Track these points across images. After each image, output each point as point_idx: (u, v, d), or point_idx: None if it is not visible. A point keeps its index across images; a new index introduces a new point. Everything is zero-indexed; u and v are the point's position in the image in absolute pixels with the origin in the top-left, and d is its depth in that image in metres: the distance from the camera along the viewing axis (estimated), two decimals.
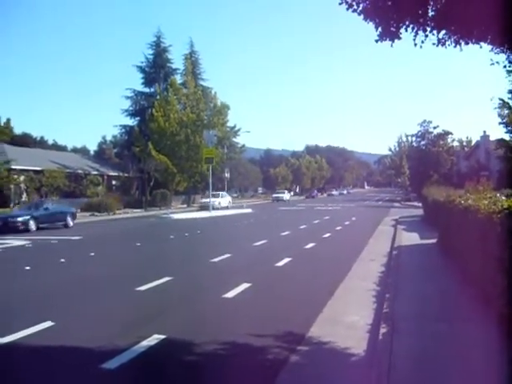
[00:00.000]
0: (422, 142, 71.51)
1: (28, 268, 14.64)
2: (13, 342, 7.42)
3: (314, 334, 7.77)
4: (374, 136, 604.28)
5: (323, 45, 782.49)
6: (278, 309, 9.63)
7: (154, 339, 7.45)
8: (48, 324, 8.34)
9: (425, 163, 67.10)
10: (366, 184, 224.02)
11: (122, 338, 7.54)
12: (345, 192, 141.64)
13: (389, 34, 6.58)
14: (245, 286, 11.46)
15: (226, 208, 56.16)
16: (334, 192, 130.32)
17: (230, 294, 10.62)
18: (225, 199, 60.42)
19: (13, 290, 11.97)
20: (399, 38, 6.68)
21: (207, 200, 51.30)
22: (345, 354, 6.86)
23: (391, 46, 6.81)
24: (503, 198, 9.35)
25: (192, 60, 68.58)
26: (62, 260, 16.10)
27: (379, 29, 6.59)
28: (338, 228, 27.95)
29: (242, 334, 7.78)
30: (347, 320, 8.60)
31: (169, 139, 56.11)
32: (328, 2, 21.50)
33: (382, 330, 7.46)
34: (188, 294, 11.05)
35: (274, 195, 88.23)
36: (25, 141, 74.95)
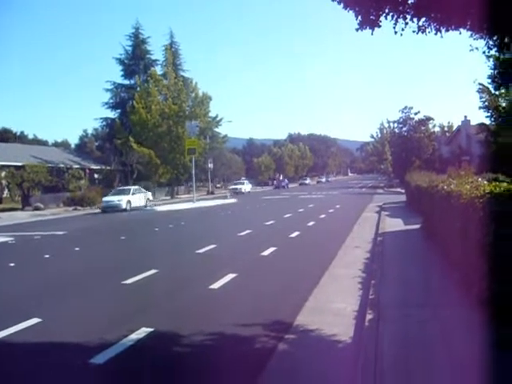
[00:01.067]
0: (404, 129, 71.77)
1: (12, 264, 14.54)
2: None
3: (300, 323, 7.82)
4: (357, 123, 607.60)
5: (305, 34, 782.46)
6: (265, 298, 9.66)
7: (141, 332, 7.45)
8: (35, 321, 8.29)
9: (407, 149, 67.41)
10: (349, 171, 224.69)
11: (110, 332, 7.53)
12: (323, 180, 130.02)
13: (369, 22, 6.59)
14: (231, 276, 11.48)
15: (144, 208, 42.30)
16: (308, 181, 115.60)
17: (216, 285, 10.64)
18: (138, 196, 42.95)
19: None
20: (379, 26, 6.70)
21: (112, 199, 40.91)
22: (332, 341, 6.92)
23: (371, 34, 6.85)
24: (485, 182, 9.44)
25: (172, 51, 68.27)
26: (47, 255, 16.00)
27: (359, 17, 6.61)
28: (322, 216, 28.03)
29: (230, 324, 7.81)
30: (333, 307, 8.66)
31: (151, 131, 55.94)
32: None
33: (369, 317, 7.53)
34: (174, 286, 11.05)
35: (232, 187, 75.24)
36: (4, 136, 74.44)
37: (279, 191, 77.82)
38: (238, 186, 74.57)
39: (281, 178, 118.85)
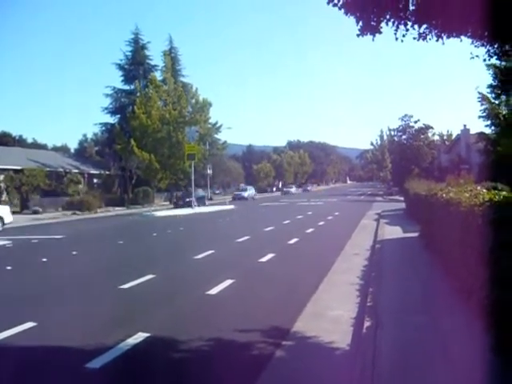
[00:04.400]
0: (404, 137, 71.99)
1: (9, 268, 14.48)
2: None
3: (298, 329, 7.78)
4: (357, 131, 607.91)
5: (304, 41, 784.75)
6: (262, 304, 9.64)
7: (138, 337, 7.41)
8: (30, 324, 8.23)
9: (406, 157, 67.63)
10: (348, 179, 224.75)
11: (107, 336, 7.48)
12: (292, 191, 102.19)
13: (370, 28, 6.59)
14: (228, 282, 11.44)
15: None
16: (249, 193, 77.05)
17: (214, 291, 10.60)
18: None
19: None
20: (380, 33, 6.69)
21: None
22: (329, 348, 6.88)
23: (372, 40, 6.84)
24: (484, 190, 9.43)
25: (172, 56, 68.32)
26: (44, 259, 15.95)
27: (360, 23, 6.60)
28: (321, 223, 28.01)
29: (227, 330, 7.77)
30: (331, 314, 8.62)
31: (150, 136, 55.84)
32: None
33: (366, 324, 7.50)
34: (171, 292, 10.99)
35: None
36: (4, 140, 74.33)
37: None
38: None
39: (280, 185, 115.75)
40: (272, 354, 6.68)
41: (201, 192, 62.51)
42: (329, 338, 7.27)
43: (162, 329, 8.01)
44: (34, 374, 6.29)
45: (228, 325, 8.07)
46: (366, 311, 8.35)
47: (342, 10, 6.53)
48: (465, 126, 61.18)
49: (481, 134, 36.43)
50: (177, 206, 53.19)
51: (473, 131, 51.36)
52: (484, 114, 31.95)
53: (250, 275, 12.71)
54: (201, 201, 56.63)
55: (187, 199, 53.53)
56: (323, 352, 6.82)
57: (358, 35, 6.75)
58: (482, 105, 31.92)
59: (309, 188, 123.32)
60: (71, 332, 7.97)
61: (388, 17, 6.51)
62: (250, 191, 78.24)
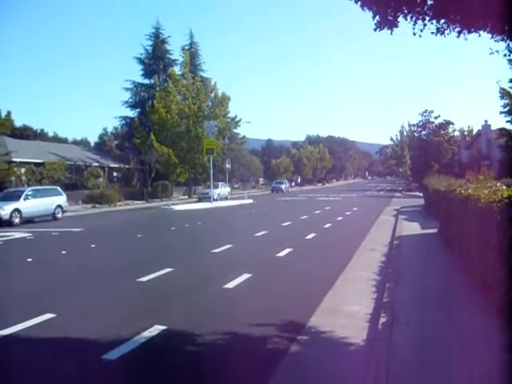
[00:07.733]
0: (424, 132, 71.32)
1: (30, 260, 14.67)
2: (13, 334, 7.44)
3: (314, 324, 7.79)
4: (376, 126, 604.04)
5: (325, 36, 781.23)
6: (279, 299, 9.65)
7: (155, 330, 7.48)
8: (49, 316, 8.36)
9: (426, 153, 66.92)
10: (367, 174, 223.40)
11: (124, 329, 7.56)
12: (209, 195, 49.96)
13: (387, 22, 6.53)
14: (246, 276, 11.48)
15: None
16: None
17: (231, 285, 10.64)
18: None
19: (14, 282, 11.99)
20: (397, 27, 6.63)
21: None
22: (344, 344, 6.88)
23: (390, 34, 6.78)
24: (504, 187, 9.33)
25: (191, 51, 68.56)
26: (64, 252, 16.13)
27: (377, 17, 6.55)
28: (339, 218, 27.91)
29: (243, 324, 7.80)
30: (347, 310, 8.62)
31: (170, 130, 56.09)
32: None
33: (382, 320, 7.48)
34: (189, 285, 11.06)
35: None
36: (25, 133, 74.99)
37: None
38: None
39: (298, 180, 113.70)
40: (287, 349, 6.70)
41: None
42: (344, 333, 7.27)
43: (179, 322, 8.06)
44: (50, 365, 6.38)
45: (244, 319, 8.10)
46: (382, 307, 8.32)
47: (359, 4, 6.49)
48: (486, 121, 60.52)
49: (502, 130, 36.10)
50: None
51: (494, 127, 50.88)
52: (505, 110, 31.65)
53: (267, 270, 12.73)
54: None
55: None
56: (338, 347, 6.82)
57: (374, 29, 6.69)
58: (502, 100, 31.62)
59: (283, 187, 78.50)
60: (89, 324, 8.07)
61: (405, 11, 6.46)
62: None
